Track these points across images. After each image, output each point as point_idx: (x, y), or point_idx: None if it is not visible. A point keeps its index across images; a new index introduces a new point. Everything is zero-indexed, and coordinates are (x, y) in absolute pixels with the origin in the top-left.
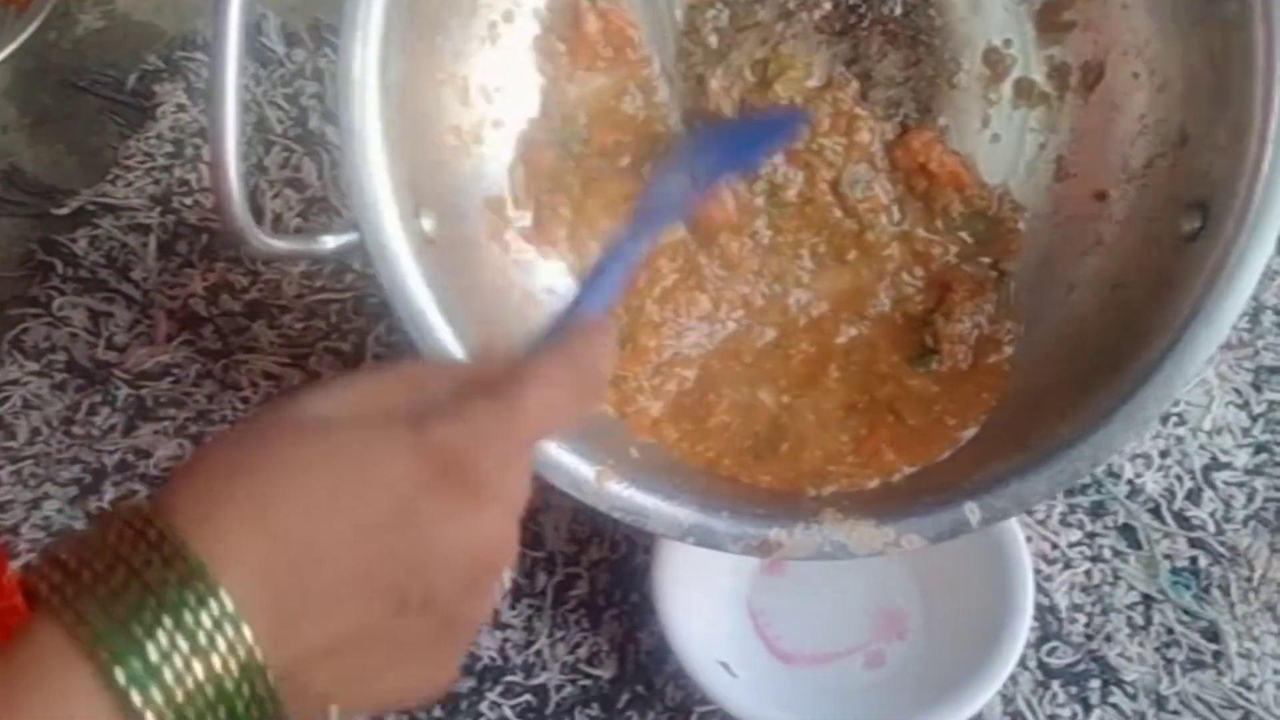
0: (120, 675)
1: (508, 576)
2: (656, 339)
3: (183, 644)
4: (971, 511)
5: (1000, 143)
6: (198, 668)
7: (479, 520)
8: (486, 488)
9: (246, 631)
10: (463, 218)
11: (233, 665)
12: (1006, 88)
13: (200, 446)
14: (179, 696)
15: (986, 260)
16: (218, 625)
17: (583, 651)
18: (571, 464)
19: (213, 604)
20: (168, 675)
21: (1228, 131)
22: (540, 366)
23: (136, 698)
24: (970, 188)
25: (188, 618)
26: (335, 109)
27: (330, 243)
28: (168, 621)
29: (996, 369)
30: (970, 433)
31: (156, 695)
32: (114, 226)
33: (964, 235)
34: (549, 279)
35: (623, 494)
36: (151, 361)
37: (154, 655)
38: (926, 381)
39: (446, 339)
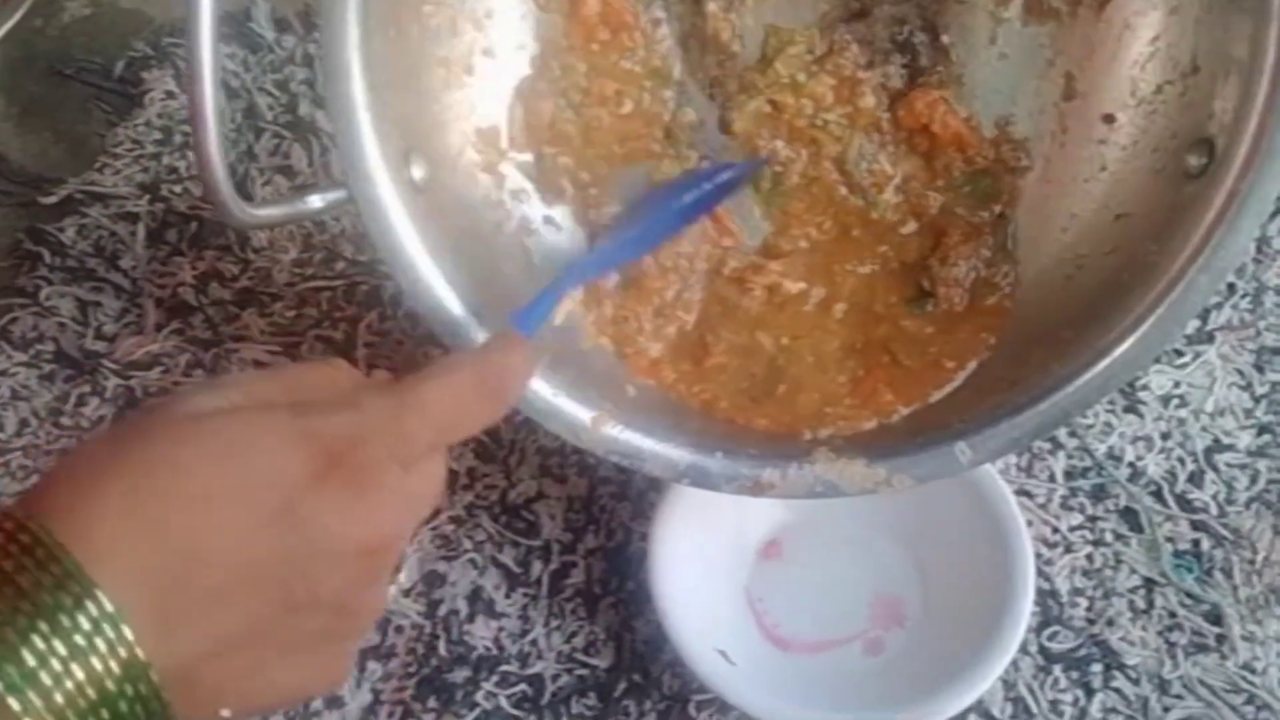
0: None
1: (403, 575)
2: (662, 280)
3: (60, 647)
4: (962, 451)
5: (1008, 60)
6: (77, 670)
7: (366, 512)
8: (374, 479)
9: (126, 631)
10: (455, 152)
11: (114, 666)
12: (1016, 4)
13: (74, 447)
14: (58, 699)
15: (985, 213)
16: (96, 627)
17: (579, 640)
18: (568, 409)
19: (90, 605)
20: (45, 679)
21: (1239, 70)
22: (444, 369)
23: (14, 703)
24: (973, 147)
25: (64, 620)
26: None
27: (317, 202)
28: (43, 625)
29: (997, 309)
30: (967, 372)
31: (35, 699)
32: (102, 215)
33: (965, 190)
34: (547, 208)
35: (619, 438)
36: (141, 351)
37: (30, 660)
38: (922, 323)
39: (441, 290)
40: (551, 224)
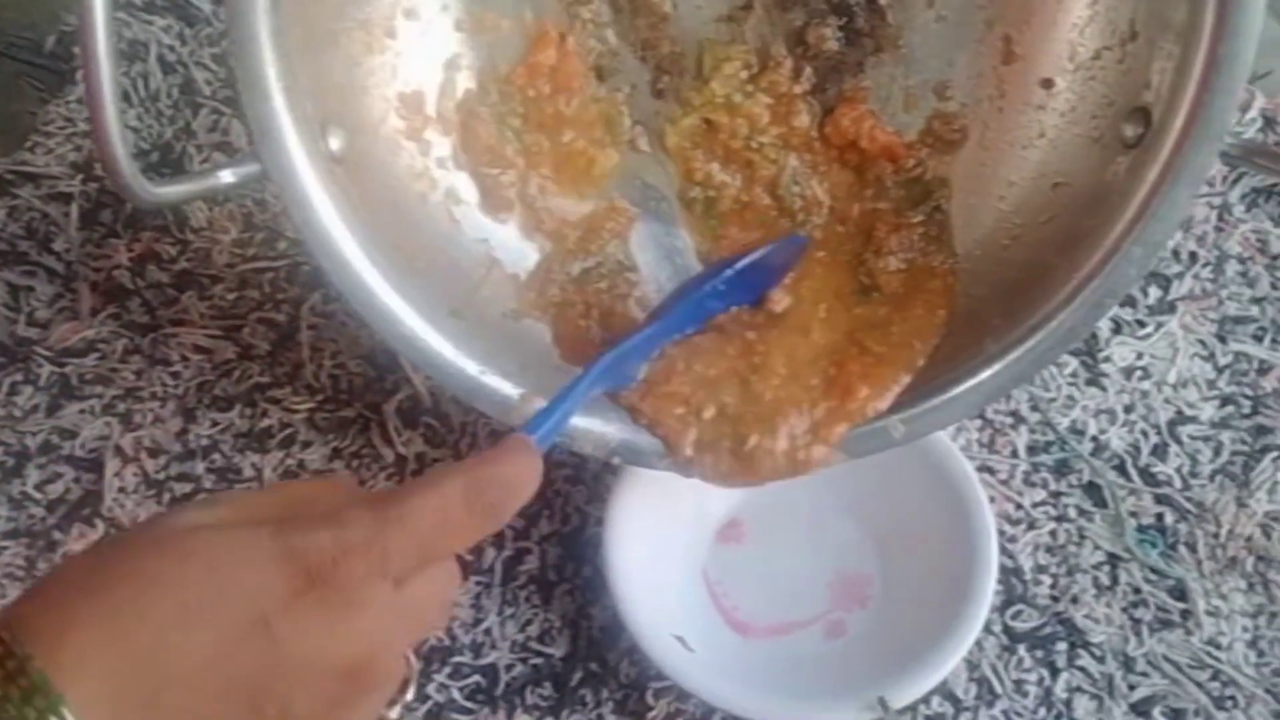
0: None
1: (412, 688)
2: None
3: None
4: (894, 427)
5: (946, 23)
6: None
7: (342, 634)
8: (355, 597)
9: None
10: (377, 120)
11: None
12: None
13: (60, 562)
14: None
15: (918, 213)
16: None
17: (533, 629)
18: (495, 386)
19: None
20: None
21: (1176, 38)
22: (432, 481)
23: None
24: (902, 156)
25: None
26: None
27: (228, 176)
28: None
29: (942, 288)
30: (929, 349)
31: None
32: (33, 196)
33: (899, 196)
34: (497, 223)
35: None
36: (75, 337)
37: None
38: (875, 308)
39: (359, 266)
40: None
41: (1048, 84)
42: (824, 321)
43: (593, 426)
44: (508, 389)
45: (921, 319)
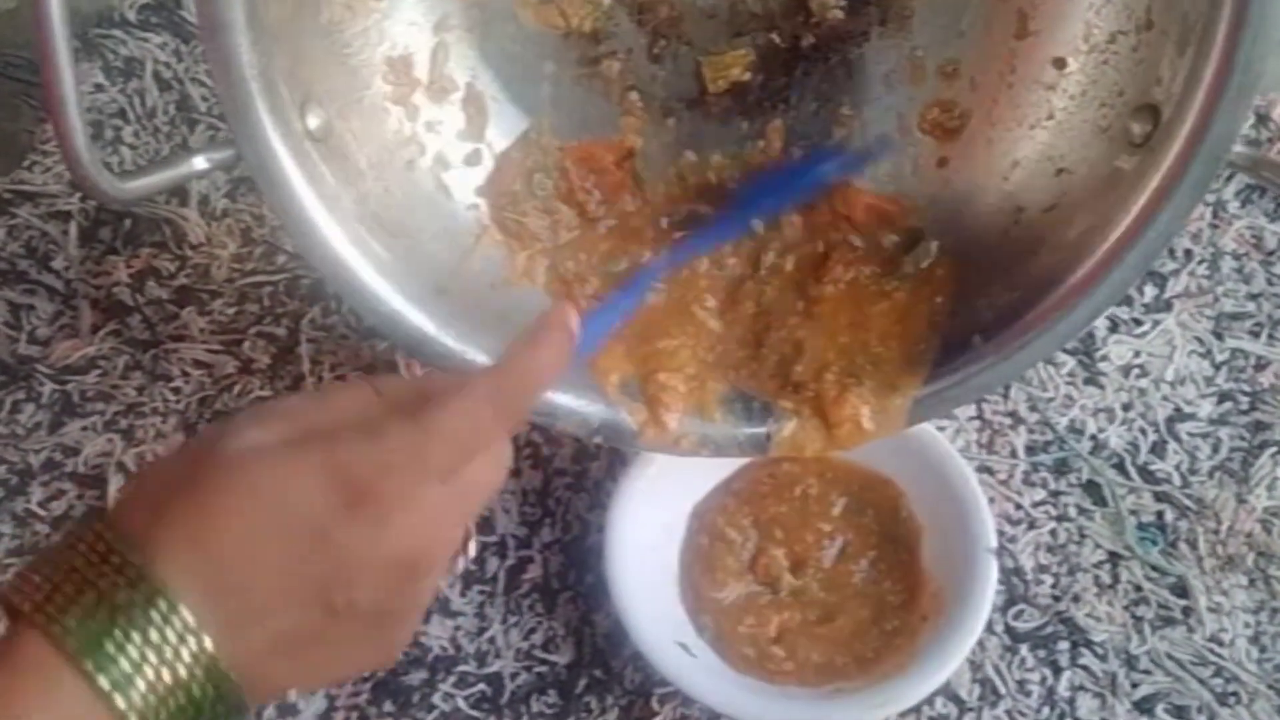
0: (104, 682)
1: (473, 545)
2: None
3: (152, 656)
4: (866, 419)
5: None
6: (166, 675)
7: (394, 533)
8: (400, 503)
9: (207, 642)
10: (361, 86)
11: (198, 672)
12: None
13: (142, 470)
14: (153, 699)
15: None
16: (181, 638)
17: (537, 637)
18: (479, 362)
19: (175, 620)
20: (141, 683)
21: (1190, 35)
22: (467, 389)
23: (120, 701)
24: (900, 219)
25: (154, 635)
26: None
27: (201, 163)
28: (136, 637)
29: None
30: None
31: (136, 698)
32: (32, 215)
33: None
34: (468, 141)
35: None
36: (77, 355)
37: (128, 666)
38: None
39: (340, 248)
40: (477, 159)
41: (1060, 64)
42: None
43: (576, 406)
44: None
45: (919, 309)
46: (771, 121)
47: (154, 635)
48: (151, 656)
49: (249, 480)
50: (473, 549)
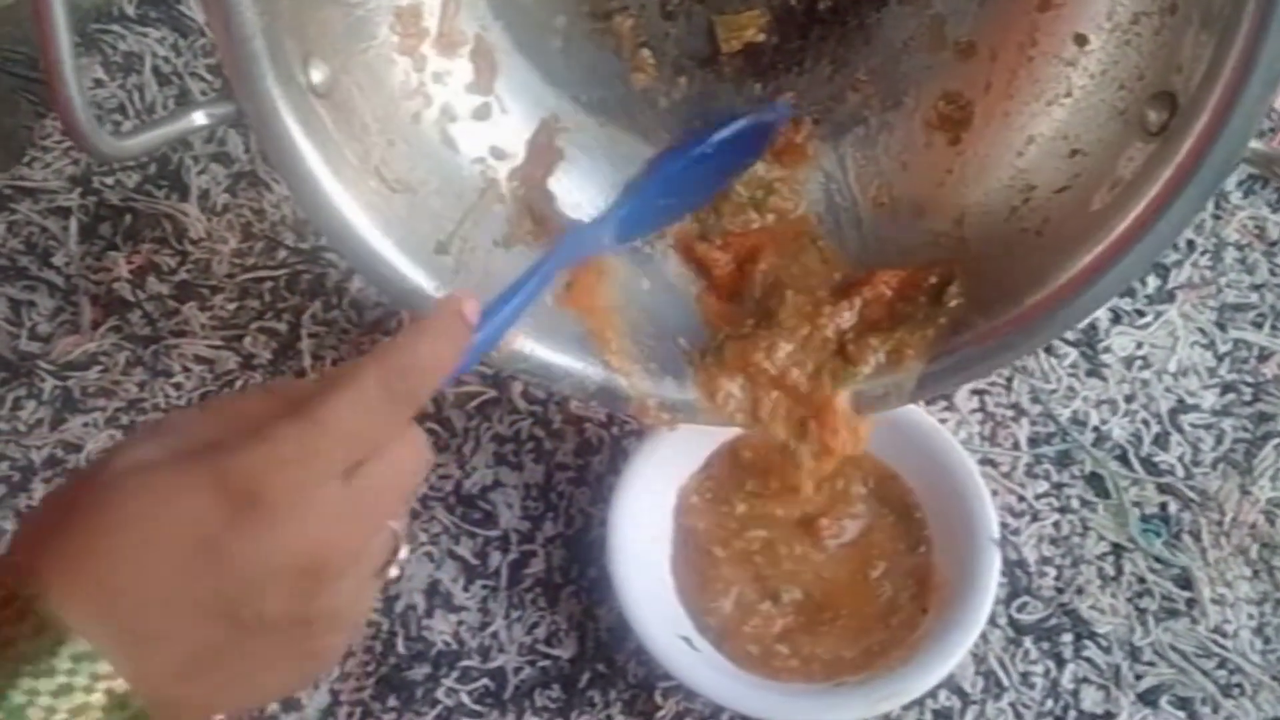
0: None
1: (404, 550)
2: None
3: (63, 702)
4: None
5: None
6: (63, 704)
7: (289, 539)
8: (293, 503)
9: (103, 665)
10: (368, 37)
11: (98, 697)
12: None
13: (32, 509)
14: None
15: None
16: (76, 665)
17: (540, 631)
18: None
19: (80, 659)
20: (35, 715)
21: (1213, 25)
22: (353, 376)
23: None
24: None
25: (61, 677)
26: None
27: (201, 118)
28: (45, 684)
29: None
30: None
31: None
32: (32, 211)
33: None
34: (477, 94)
35: (530, 355)
36: (78, 351)
37: (19, 698)
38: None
39: (343, 205)
40: (485, 113)
41: (1081, 40)
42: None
43: (574, 368)
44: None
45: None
46: (783, 91)
47: (61, 678)
48: (63, 703)
49: (131, 497)
50: (403, 553)
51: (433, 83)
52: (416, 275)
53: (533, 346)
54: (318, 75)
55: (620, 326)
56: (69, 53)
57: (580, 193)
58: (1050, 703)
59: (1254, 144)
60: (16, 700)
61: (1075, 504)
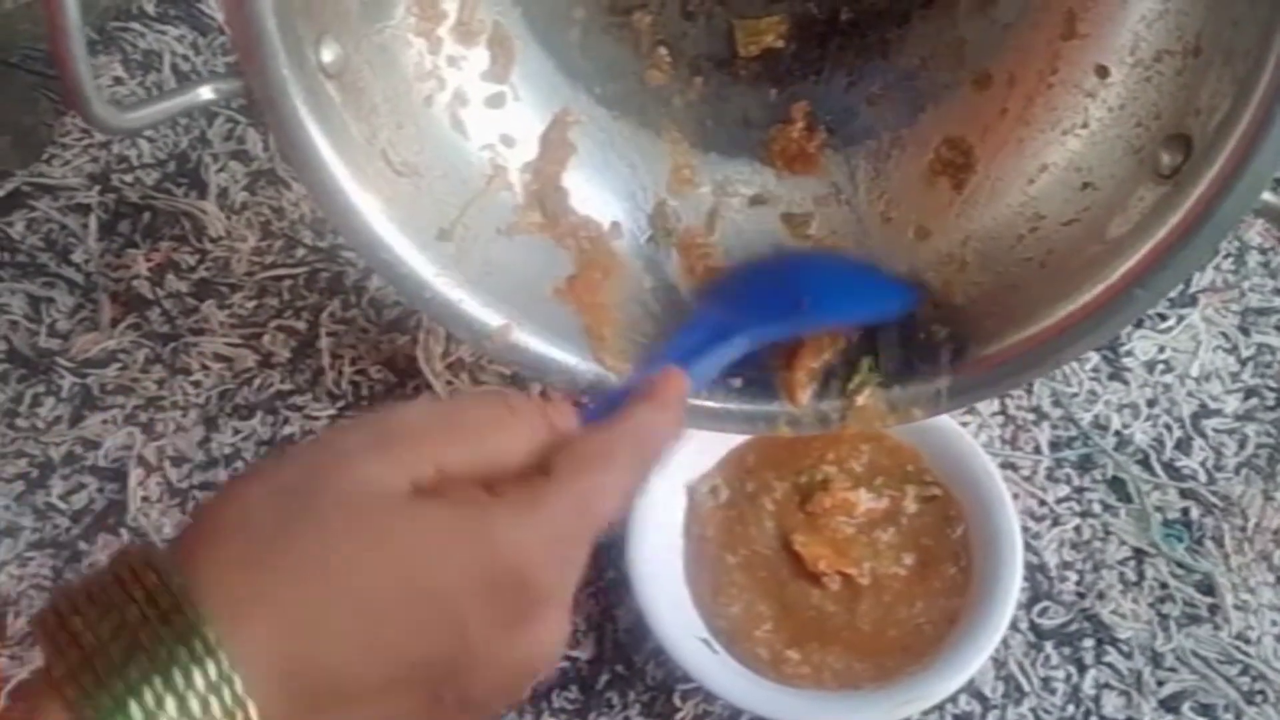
0: None
1: None
2: None
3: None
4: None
5: None
6: None
7: (533, 634)
8: (548, 600)
9: (252, 710)
10: (384, 17)
11: None
12: None
13: (225, 493)
14: None
15: None
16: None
17: None
18: (474, 313)
19: (234, 707)
20: None
21: (1235, 75)
22: (609, 455)
23: None
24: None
25: (194, 703)
26: None
27: (208, 93)
28: (171, 702)
29: None
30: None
31: None
32: (52, 208)
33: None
34: (491, 82)
35: (525, 346)
36: (96, 348)
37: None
38: None
39: (350, 189)
40: (499, 101)
41: (1103, 72)
42: None
43: (566, 361)
44: (490, 317)
45: None
46: (798, 98)
47: (193, 703)
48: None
49: (377, 539)
50: None
51: (447, 66)
52: (417, 261)
53: (528, 339)
54: (329, 54)
55: (619, 324)
56: (77, 25)
57: (590, 187)
58: (1071, 708)
59: (1267, 196)
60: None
61: (1097, 508)
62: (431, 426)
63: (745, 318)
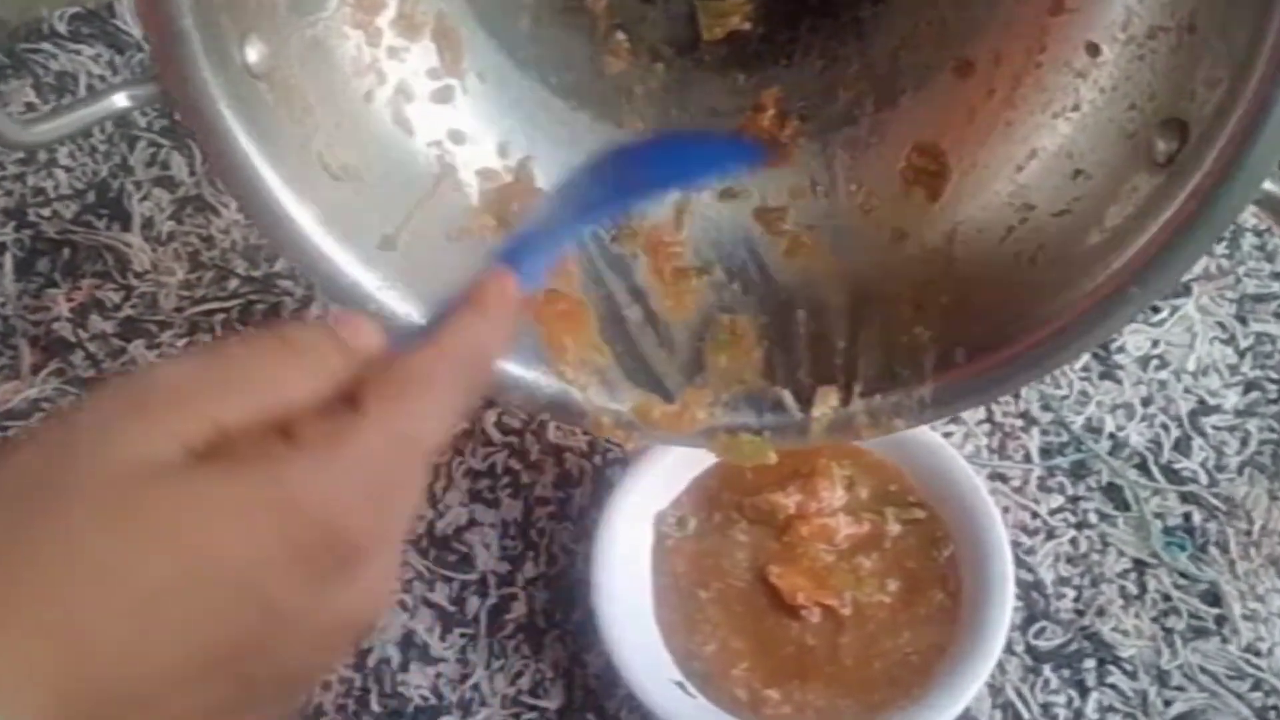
0: None
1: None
2: None
3: None
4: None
5: None
6: None
7: (353, 589)
8: (367, 549)
9: None
10: (316, 8)
11: None
12: None
13: None
14: None
15: None
16: None
17: (525, 681)
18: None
19: None
20: None
21: (1230, 58)
22: (431, 375)
23: None
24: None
25: None
26: None
27: (123, 100)
28: None
29: None
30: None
31: None
32: None
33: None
34: (438, 76)
35: None
36: (17, 398)
37: None
38: None
39: (281, 195)
40: (447, 96)
41: (1093, 50)
42: None
43: (525, 377)
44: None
45: None
46: (768, 84)
47: None
48: None
49: (146, 522)
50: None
51: (388, 59)
52: (359, 273)
53: None
54: (254, 54)
55: (580, 334)
56: None
57: (547, 183)
58: None
59: (1268, 185)
60: None
61: (1093, 518)
62: (199, 378)
63: (574, 206)
